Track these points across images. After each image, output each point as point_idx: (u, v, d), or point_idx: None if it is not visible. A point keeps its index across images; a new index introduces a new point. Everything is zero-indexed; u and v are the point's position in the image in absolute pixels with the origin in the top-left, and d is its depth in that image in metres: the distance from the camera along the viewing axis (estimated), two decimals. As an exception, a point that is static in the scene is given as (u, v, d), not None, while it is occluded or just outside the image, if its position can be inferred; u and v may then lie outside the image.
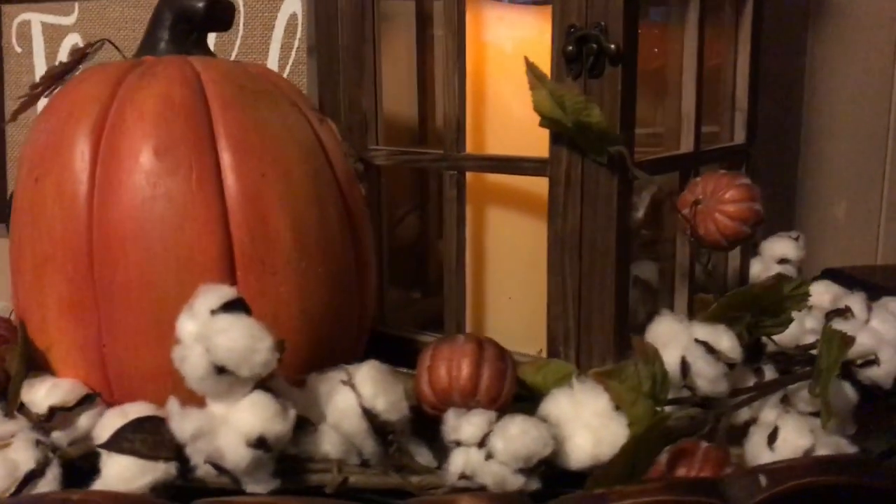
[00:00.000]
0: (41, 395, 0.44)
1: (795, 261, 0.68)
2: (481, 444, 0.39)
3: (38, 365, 0.47)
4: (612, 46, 0.46)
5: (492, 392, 0.40)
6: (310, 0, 0.61)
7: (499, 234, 0.57)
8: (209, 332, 0.37)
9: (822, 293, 0.63)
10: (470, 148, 0.56)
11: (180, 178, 0.44)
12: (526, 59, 0.47)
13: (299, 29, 0.63)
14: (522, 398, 0.45)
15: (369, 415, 0.39)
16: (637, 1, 0.47)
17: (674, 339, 0.46)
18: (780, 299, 0.46)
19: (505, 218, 0.57)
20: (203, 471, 0.39)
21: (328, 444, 0.41)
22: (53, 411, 0.44)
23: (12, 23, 0.73)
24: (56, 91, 0.49)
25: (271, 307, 0.46)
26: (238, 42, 0.66)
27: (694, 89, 0.56)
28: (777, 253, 0.68)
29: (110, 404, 0.46)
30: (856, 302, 0.53)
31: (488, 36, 0.56)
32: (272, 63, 0.65)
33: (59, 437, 0.44)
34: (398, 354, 0.59)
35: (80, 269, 0.45)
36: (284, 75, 0.65)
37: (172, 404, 0.38)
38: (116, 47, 0.53)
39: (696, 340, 0.45)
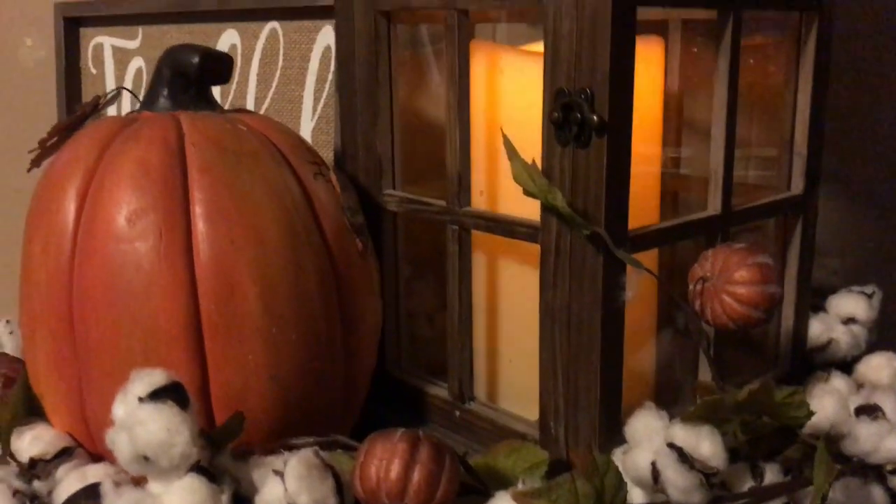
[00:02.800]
0: (25, 444, 0.47)
1: (866, 321, 0.61)
2: (401, 552, 0.37)
3: (39, 410, 0.50)
4: (595, 118, 0.42)
5: (421, 496, 0.38)
6: (337, 37, 0.60)
7: (509, 291, 0.55)
8: (132, 421, 0.38)
9: (882, 367, 0.56)
10: (484, 201, 0.54)
11: (149, 246, 0.45)
12: (501, 129, 0.44)
13: (333, 63, 0.63)
14: (475, 491, 0.43)
15: (293, 510, 0.39)
16: (629, 67, 0.43)
17: (649, 438, 0.43)
18: (772, 407, 0.41)
19: (514, 275, 0.54)
20: (140, 546, 0.40)
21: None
22: (35, 461, 0.47)
23: (89, 45, 0.77)
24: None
25: (240, 375, 0.46)
26: (278, 73, 0.66)
27: (723, 141, 0.50)
28: (844, 311, 0.61)
29: (93, 456, 0.48)
30: (890, 398, 0.47)
31: (502, 82, 0.53)
32: (308, 95, 0.65)
33: (39, 486, 0.46)
34: (406, 402, 0.58)
35: (62, 327, 0.46)
36: (319, 108, 0.64)
37: (106, 484, 0.40)
38: (134, 94, 0.54)
39: (670, 445, 0.41)
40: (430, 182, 0.59)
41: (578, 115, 0.43)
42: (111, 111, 0.72)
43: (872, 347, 0.61)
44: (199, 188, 0.46)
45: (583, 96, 0.43)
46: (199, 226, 0.45)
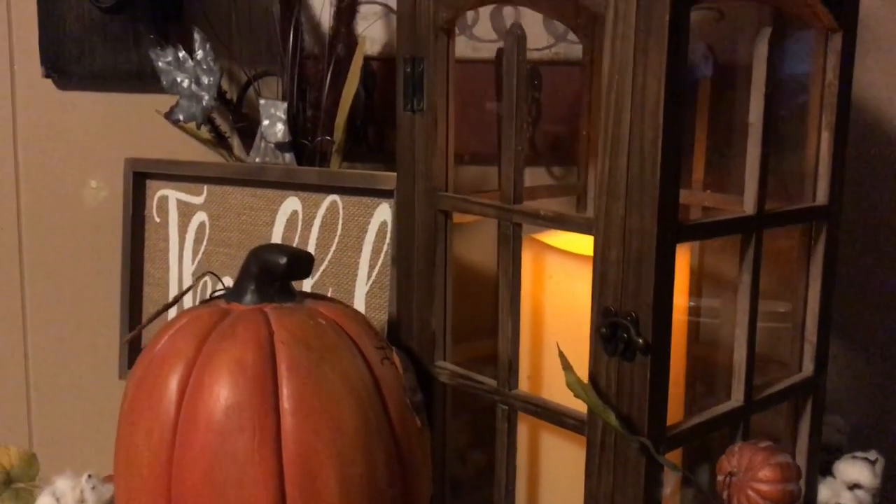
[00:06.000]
0: None
1: (870, 488, 0.67)
2: None
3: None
4: (640, 341, 0.49)
5: None
6: (397, 215, 0.67)
7: (551, 465, 0.61)
8: None
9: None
10: (530, 385, 0.60)
11: (245, 439, 0.51)
12: (558, 345, 0.50)
13: (388, 236, 0.69)
14: None
15: None
16: (669, 294, 0.50)
17: None
18: None
19: (557, 449, 0.60)
20: None
21: None
22: None
23: (154, 195, 0.84)
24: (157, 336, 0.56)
25: (317, 552, 0.51)
26: (336, 240, 0.73)
27: (746, 341, 0.57)
28: (850, 477, 0.67)
29: None
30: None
31: (550, 285, 0.59)
32: (364, 262, 0.71)
33: None
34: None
35: (160, 506, 0.52)
36: (373, 274, 0.71)
37: None
38: (219, 278, 0.60)
39: None
40: (476, 342, 0.65)
41: (625, 335, 0.49)
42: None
43: (876, 511, 0.67)
44: (287, 384, 0.52)
45: (629, 318, 0.50)
46: (287, 419, 0.51)
